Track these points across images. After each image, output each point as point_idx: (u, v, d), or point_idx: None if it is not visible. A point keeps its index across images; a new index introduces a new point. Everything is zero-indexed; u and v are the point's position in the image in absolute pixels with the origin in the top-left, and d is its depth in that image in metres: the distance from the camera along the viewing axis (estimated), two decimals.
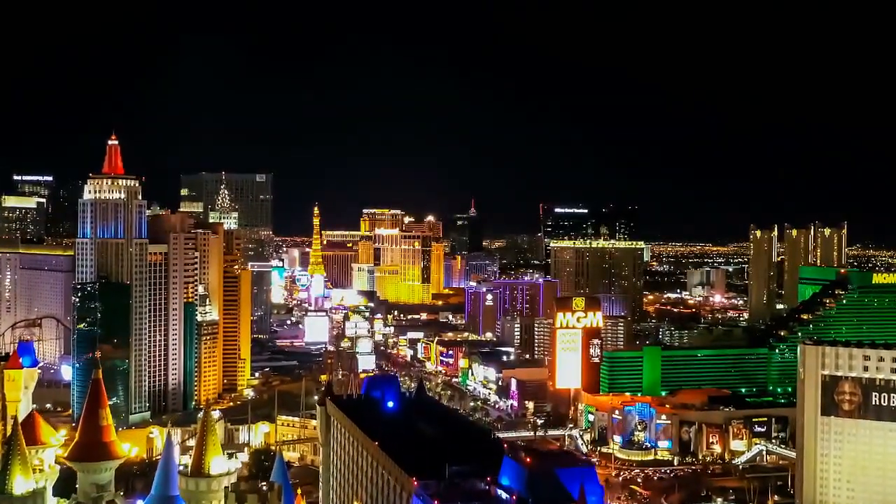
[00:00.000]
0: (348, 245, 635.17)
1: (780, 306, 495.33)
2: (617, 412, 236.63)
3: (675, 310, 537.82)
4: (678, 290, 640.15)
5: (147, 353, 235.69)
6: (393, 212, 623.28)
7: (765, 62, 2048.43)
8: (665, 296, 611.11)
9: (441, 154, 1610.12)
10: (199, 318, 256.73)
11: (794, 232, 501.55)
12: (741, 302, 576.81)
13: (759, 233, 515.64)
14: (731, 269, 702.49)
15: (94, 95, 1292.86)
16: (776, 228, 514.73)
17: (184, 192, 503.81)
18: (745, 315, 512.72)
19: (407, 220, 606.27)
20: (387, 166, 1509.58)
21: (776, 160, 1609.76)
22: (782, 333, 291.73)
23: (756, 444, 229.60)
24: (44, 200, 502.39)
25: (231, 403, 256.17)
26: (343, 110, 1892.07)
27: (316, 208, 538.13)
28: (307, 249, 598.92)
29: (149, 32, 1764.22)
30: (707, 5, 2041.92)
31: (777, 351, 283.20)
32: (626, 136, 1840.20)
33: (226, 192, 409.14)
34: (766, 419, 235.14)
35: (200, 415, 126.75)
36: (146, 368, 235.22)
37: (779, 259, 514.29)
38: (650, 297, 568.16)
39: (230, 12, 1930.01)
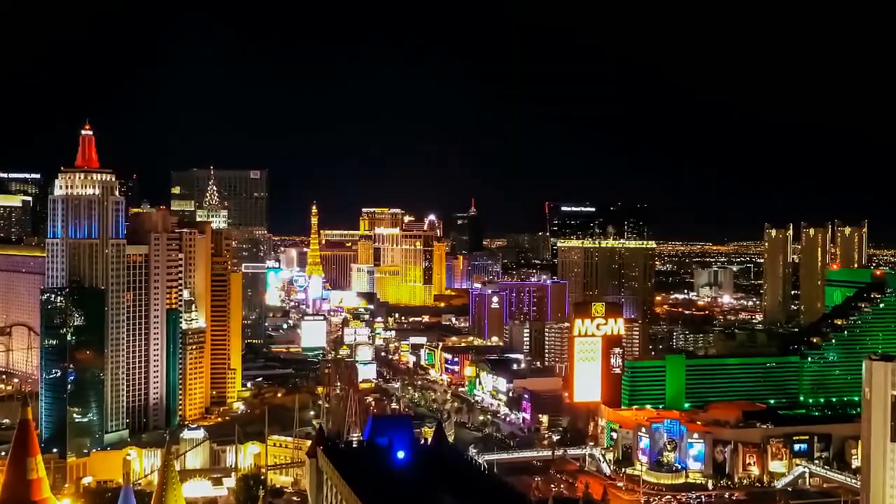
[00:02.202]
0: (347, 245, 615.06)
1: (793, 307, 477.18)
2: (643, 430, 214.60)
3: (686, 312, 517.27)
4: (685, 291, 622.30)
5: (125, 364, 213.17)
6: (393, 211, 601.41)
7: (765, 62, 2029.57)
8: (672, 296, 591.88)
9: (441, 154, 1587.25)
10: (183, 325, 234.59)
11: (812, 231, 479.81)
12: (751, 303, 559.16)
13: (774, 232, 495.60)
14: (735, 269, 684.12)
15: (94, 94, 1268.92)
16: (791, 227, 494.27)
17: (175, 189, 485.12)
18: (759, 317, 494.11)
19: (407, 219, 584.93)
20: (387, 166, 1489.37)
21: (776, 160, 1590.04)
22: (815, 340, 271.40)
23: (797, 464, 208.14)
24: (30, 199, 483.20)
25: (219, 419, 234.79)
26: (343, 110, 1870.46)
27: (314, 207, 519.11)
28: (305, 249, 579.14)
29: (148, 31, 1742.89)
30: (707, 5, 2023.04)
31: (809, 359, 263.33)
32: (626, 136, 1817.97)
33: (214, 188, 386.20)
34: (807, 437, 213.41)
35: (174, 444, 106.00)
36: (124, 382, 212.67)
37: (791, 259, 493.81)
38: (657, 297, 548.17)
39: (230, 12, 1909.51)
